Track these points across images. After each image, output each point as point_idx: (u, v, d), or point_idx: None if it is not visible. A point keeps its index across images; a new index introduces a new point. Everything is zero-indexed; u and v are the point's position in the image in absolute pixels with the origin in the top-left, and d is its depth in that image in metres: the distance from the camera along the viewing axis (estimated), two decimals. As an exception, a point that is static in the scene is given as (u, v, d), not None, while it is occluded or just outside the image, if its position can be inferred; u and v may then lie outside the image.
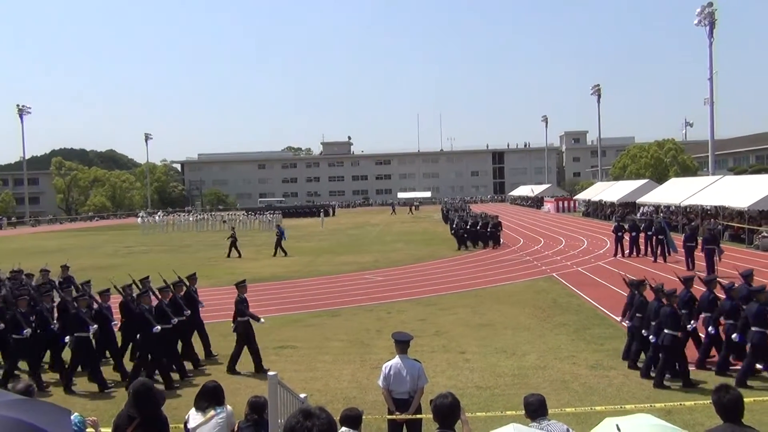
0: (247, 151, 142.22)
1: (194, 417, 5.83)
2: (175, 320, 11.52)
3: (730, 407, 4.42)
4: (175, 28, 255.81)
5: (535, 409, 5.61)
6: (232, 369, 11.70)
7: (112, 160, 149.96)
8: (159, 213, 79.49)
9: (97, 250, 40.81)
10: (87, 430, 5.81)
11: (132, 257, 34.66)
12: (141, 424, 5.23)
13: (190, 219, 65.94)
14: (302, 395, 6.18)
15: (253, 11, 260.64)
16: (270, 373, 5.27)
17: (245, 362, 11.85)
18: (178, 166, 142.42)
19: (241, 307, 11.83)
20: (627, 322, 11.80)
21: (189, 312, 12.44)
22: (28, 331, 11.35)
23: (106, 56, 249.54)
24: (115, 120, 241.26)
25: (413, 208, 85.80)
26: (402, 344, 7.50)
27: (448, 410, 4.68)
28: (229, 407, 5.93)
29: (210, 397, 5.89)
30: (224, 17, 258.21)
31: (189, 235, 48.19)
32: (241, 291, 11.99)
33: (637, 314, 11.20)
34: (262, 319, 12.36)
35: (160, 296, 11.90)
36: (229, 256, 32.13)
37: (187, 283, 13.19)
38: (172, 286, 12.47)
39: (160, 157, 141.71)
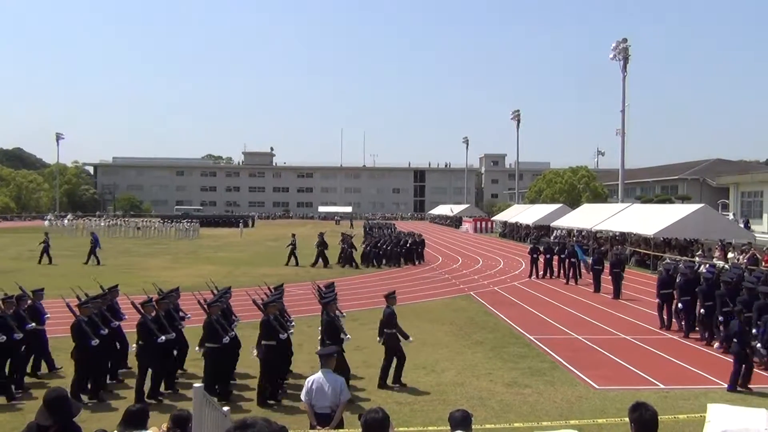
0: (164, 157, 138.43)
1: None
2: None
3: (650, 425, 4.64)
4: (94, 26, 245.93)
5: (458, 423, 5.75)
6: (383, 384, 11.36)
7: (18, 158, 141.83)
8: (68, 216, 76.05)
9: (-1, 252, 38.61)
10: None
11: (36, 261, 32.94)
12: (53, 435, 4.99)
13: (102, 224, 63.18)
14: (225, 408, 6.07)
15: (177, 11, 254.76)
16: (195, 385, 5.16)
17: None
18: (91, 169, 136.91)
19: (392, 319, 11.69)
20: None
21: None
22: None
23: (15, 45, 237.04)
24: (25, 116, 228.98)
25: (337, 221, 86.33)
26: (325, 358, 7.53)
27: (379, 425, 4.73)
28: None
29: (133, 421, 5.66)
30: (144, 15, 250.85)
31: (100, 240, 46.14)
32: (391, 302, 11.89)
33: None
34: (411, 338, 12.14)
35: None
36: (40, 262, 31.76)
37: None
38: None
39: (72, 159, 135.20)
